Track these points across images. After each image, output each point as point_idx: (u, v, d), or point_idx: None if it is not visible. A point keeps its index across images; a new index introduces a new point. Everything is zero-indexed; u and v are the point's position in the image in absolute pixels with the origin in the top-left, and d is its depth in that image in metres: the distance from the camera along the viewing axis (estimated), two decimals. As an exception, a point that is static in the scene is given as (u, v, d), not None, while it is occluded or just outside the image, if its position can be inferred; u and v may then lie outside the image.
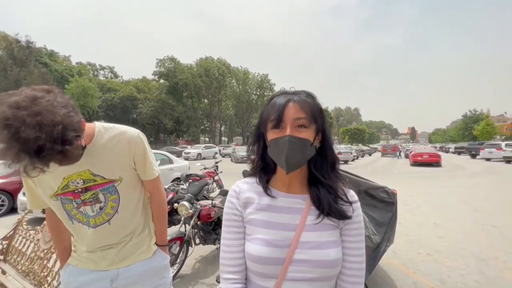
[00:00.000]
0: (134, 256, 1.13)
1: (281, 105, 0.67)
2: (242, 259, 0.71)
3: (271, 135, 0.69)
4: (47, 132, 0.72)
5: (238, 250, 0.71)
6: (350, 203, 0.72)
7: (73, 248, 1.15)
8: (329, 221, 0.70)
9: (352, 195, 0.75)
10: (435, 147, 31.88)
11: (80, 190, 1.02)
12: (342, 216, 0.70)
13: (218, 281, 2.03)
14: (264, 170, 0.77)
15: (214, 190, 6.27)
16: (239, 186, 0.78)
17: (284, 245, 0.67)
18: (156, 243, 1.21)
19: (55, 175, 1.00)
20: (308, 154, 0.68)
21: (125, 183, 1.08)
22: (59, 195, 1.03)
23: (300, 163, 0.68)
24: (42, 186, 1.03)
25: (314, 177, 0.73)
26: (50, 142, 0.73)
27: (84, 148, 0.93)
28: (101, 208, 1.05)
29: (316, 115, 0.68)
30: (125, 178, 1.07)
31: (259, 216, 0.72)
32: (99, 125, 1.07)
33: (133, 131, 1.10)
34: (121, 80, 57.29)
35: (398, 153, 30.58)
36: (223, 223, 0.76)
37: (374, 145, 45.28)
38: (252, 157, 0.78)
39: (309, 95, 0.71)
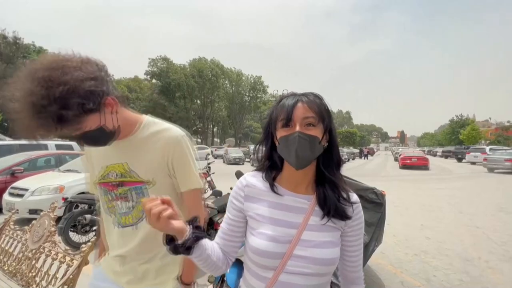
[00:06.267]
0: (152, 283, 0.99)
1: (290, 105, 0.71)
2: (227, 239, 0.80)
3: (280, 133, 0.72)
4: (48, 88, 0.68)
5: (226, 232, 0.80)
6: (351, 203, 0.76)
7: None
8: (331, 224, 0.74)
9: (352, 196, 0.78)
10: (423, 151, 32.70)
11: (116, 183, 0.97)
12: (344, 216, 0.74)
13: (210, 281, 2.03)
14: (270, 168, 0.80)
15: (207, 191, 6.25)
16: (247, 179, 0.81)
17: (285, 241, 0.71)
18: (180, 278, 1.00)
19: (98, 162, 0.99)
20: (316, 151, 0.71)
21: (157, 188, 0.96)
22: (99, 184, 1.00)
23: (309, 159, 0.71)
24: (92, 171, 1.03)
25: (321, 177, 0.76)
26: (47, 100, 0.68)
27: (113, 132, 0.87)
28: (132, 208, 0.98)
29: (324, 114, 0.72)
30: (157, 183, 0.96)
31: (264, 212, 0.75)
32: (148, 118, 1.01)
33: (175, 131, 0.97)
34: (112, 79, 56.19)
35: (362, 154, 33.60)
36: (227, 208, 0.82)
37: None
38: (259, 155, 0.81)
39: (317, 96, 0.75)
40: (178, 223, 0.63)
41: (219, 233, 0.80)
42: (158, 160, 0.95)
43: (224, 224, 0.80)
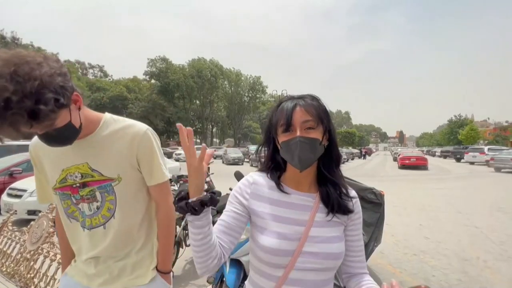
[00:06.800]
0: (129, 279, 0.99)
1: (289, 110, 0.72)
2: (228, 233, 0.75)
3: (282, 138, 0.74)
4: (18, 83, 0.64)
5: (228, 225, 0.76)
6: (351, 198, 0.80)
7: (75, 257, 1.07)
8: (335, 219, 0.77)
9: (351, 191, 0.82)
10: (422, 151, 32.82)
11: (78, 185, 0.94)
12: (346, 211, 0.78)
13: (209, 281, 2.03)
14: (274, 168, 0.82)
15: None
16: (254, 177, 0.82)
17: (294, 238, 0.73)
18: (156, 268, 1.03)
19: (54, 166, 0.96)
20: (318, 153, 0.73)
21: (125, 184, 0.96)
22: (57, 189, 0.97)
23: (312, 161, 0.73)
24: (47, 177, 0.99)
25: (322, 176, 0.79)
26: (19, 96, 0.64)
27: (79, 129, 0.85)
28: (98, 208, 0.96)
29: (322, 116, 0.73)
30: (124, 179, 0.96)
31: (272, 211, 0.76)
32: (107, 116, 0.99)
33: (140, 126, 0.99)
34: (111, 80, 56.31)
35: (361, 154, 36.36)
36: (227, 203, 0.80)
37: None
38: (262, 155, 0.83)
39: (314, 98, 0.76)
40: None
41: (217, 226, 0.77)
42: (126, 156, 0.95)
43: (225, 217, 0.77)
